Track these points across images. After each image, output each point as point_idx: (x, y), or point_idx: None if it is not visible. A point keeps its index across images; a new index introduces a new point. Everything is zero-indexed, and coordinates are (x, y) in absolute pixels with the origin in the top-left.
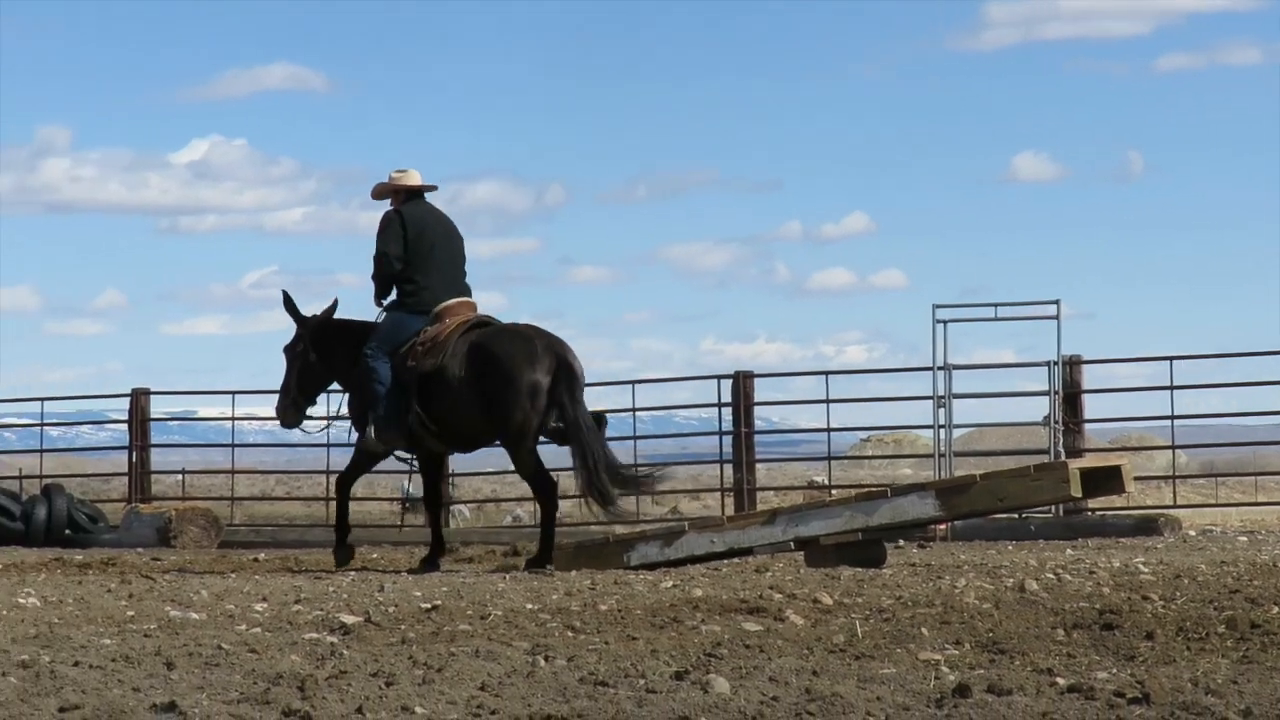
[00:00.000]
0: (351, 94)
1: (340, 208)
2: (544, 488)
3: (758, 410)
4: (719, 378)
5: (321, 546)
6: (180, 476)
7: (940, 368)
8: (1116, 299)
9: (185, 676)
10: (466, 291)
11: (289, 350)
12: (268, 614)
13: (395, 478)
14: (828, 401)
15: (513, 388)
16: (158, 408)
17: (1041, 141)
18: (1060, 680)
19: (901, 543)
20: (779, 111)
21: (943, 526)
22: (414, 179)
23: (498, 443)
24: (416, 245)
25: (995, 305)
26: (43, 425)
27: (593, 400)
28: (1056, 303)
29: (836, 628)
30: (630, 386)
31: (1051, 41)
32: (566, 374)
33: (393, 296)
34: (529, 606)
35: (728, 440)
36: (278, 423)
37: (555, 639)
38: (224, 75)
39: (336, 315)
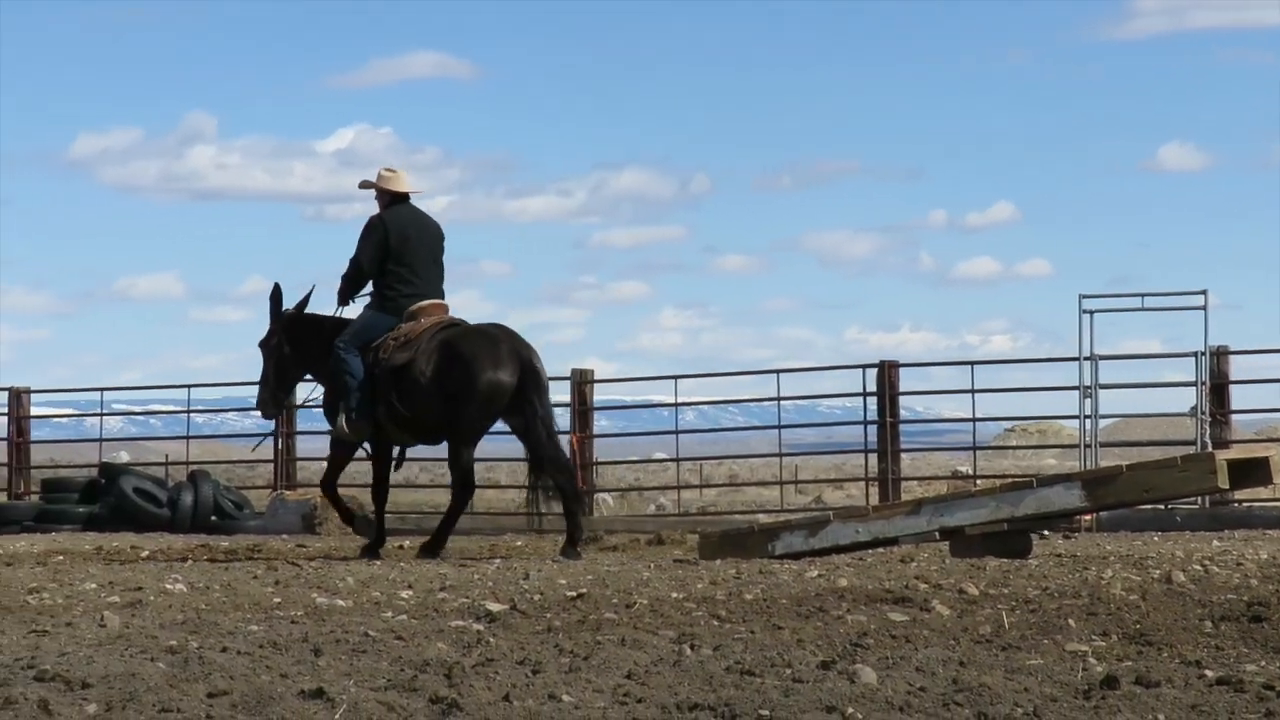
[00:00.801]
0: (496, 82)
1: (484, 196)
2: (465, 487)
3: (902, 400)
4: (864, 367)
5: (465, 534)
6: (325, 463)
7: (1086, 358)
8: (1264, 289)
9: (333, 663)
10: (441, 295)
11: (264, 344)
12: (414, 601)
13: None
14: (973, 391)
15: (473, 387)
16: (302, 394)
17: (1188, 130)
18: (1208, 672)
19: (1046, 533)
20: (923, 100)
21: (1088, 517)
22: (402, 183)
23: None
24: (399, 250)
25: (1142, 295)
26: (189, 412)
27: (737, 389)
28: (1203, 293)
29: (983, 618)
30: (775, 375)
31: (1200, 30)
32: (531, 376)
33: (368, 295)
34: (674, 595)
35: (872, 429)
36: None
37: (701, 628)
38: (370, 64)
39: (308, 309)
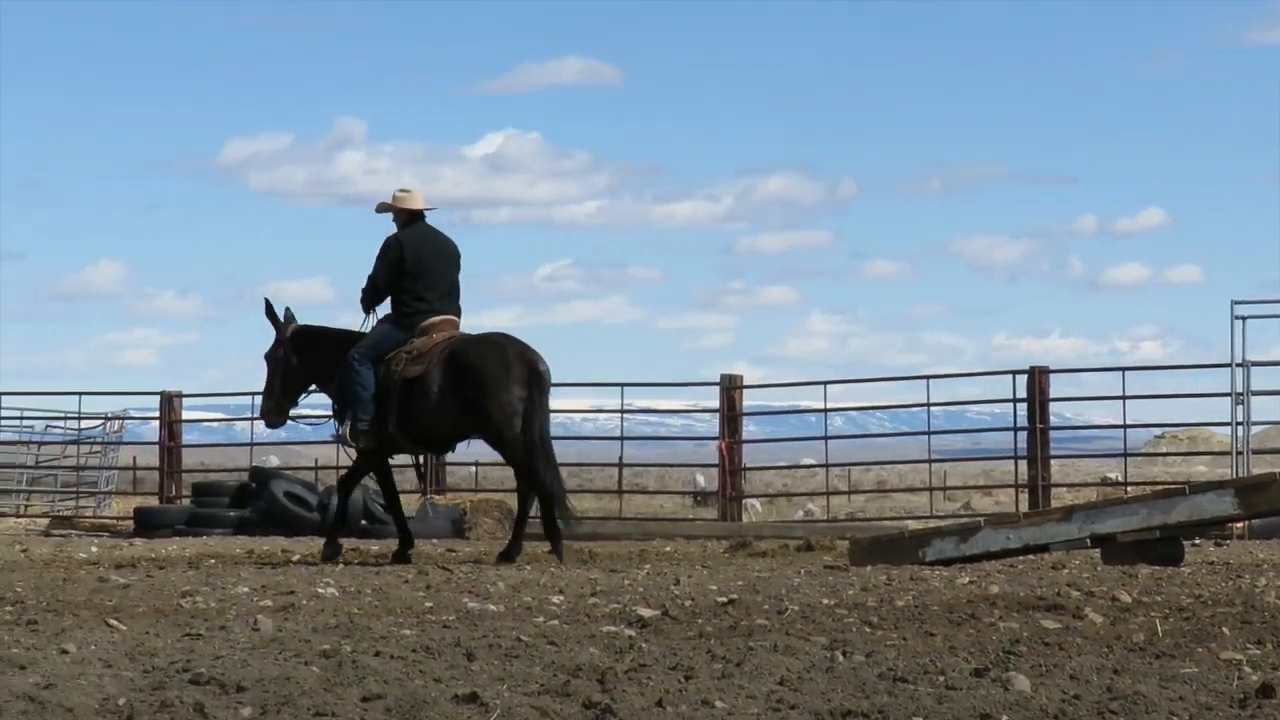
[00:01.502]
0: (644, 87)
1: (633, 201)
2: (531, 470)
3: (1051, 406)
4: (1014, 373)
5: (615, 539)
6: (473, 468)
7: (1238, 364)
8: None
9: (485, 668)
10: (455, 311)
11: (270, 356)
12: (565, 606)
13: (684, 471)
14: (1124, 398)
15: (488, 390)
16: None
17: None
18: None
19: (1198, 540)
20: (1072, 105)
21: (1240, 525)
22: (416, 201)
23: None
24: (414, 268)
25: None
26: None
27: (886, 394)
28: None
29: (1136, 626)
30: (924, 381)
31: None
32: (535, 378)
33: (386, 309)
34: (825, 602)
35: (1022, 436)
36: (570, 416)
37: (853, 634)
38: (519, 69)
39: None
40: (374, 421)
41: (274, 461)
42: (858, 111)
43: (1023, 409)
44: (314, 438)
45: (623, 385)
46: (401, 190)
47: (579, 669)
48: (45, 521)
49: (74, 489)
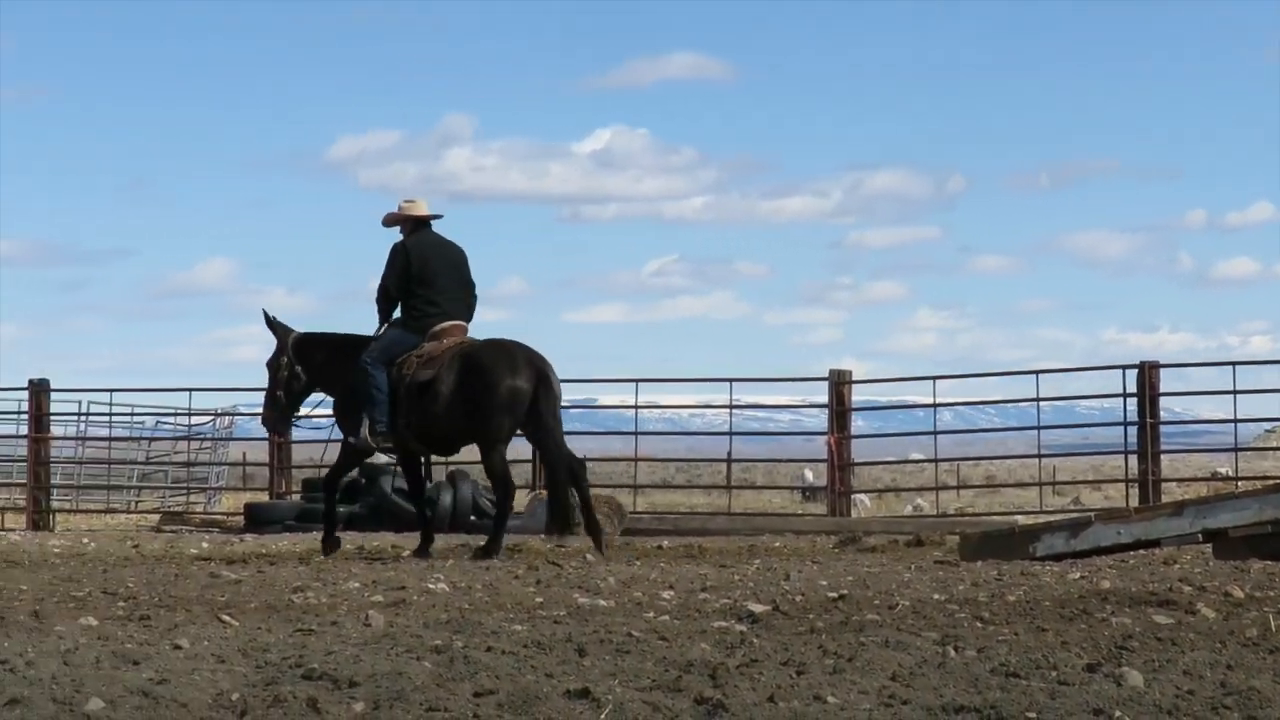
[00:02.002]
0: (752, 83)
1: (740, 196)
2: (505, 488)
3: (1161, 401)
4: (1123, 368)
5: (724, 534)
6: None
7: None
8: None
9: (597, 663)
10: (465, 316)
11: (272, 363)
12: (675, 602)
13: (793, 466)
14: (1234, 392)
15: (494, 395)
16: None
17: None
18: None
19: None
20: (1182, 99)
21: None
22: (421, 209)
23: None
24: (421, 273)
25: None
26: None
27: (995, 389)
28: None
29: (1249, 621)
30: (1033, 376)
31: None
32: (544, 386)
33: (396, 314)
34: (936, 597)
35: (1132, 431)
36: (679, 411)
37: (964, 629)
38: (627, 64)
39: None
40: (387, 422)
41: (383, 457)
42: (966, 106)
43: (1133, 404)
44: None
45: (731, 381)
46: (406, 201)
47: (690, 664)
48: (156, 517)
49: (184, 485)
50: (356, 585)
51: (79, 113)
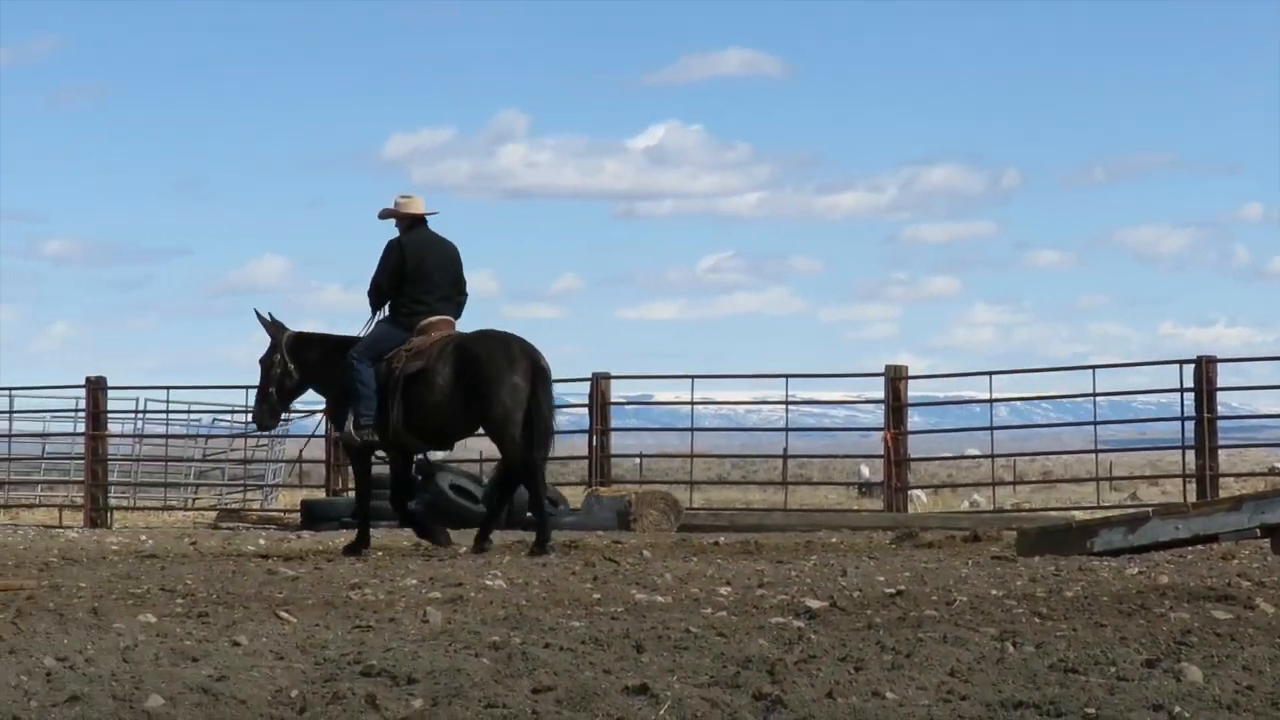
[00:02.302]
0: (806, 79)
1: (794, 192)
2: (532, 473)
3: (1218, 395)
4: (1180, 362)
5: (780, 530)
6: (638, 460)
7: None
8: None
9: (655, 659)
10: (453, 312)
11: (265, 361)
12: (732, 598)
13: (849, 462)
14: None
15: (494, 383)
16: (616, 392)
17: None
18: None
19: None
20: (1238, 93)
21: None
22: (417, 206)
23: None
24: (415, 270)
25: None
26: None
27: (1051, 385)
28: None
29: None
30: (1089, 371)
31: None
32: (539, 373)
33: (385, 312)
34: (994, 592)
35: (1189, 425)
36: (734, 407)
37: (1022, 625)
38: (681, 61)
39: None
40: (374, 417)
41: (440, 454)
42: (1021, 101)
43: (1190, 399)
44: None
45: (787, 376)
46: (403, 197)
47: (749, 660)
48: (213, 514)
49: (241, 482)
50: (414, 582)
51: (136, 112)
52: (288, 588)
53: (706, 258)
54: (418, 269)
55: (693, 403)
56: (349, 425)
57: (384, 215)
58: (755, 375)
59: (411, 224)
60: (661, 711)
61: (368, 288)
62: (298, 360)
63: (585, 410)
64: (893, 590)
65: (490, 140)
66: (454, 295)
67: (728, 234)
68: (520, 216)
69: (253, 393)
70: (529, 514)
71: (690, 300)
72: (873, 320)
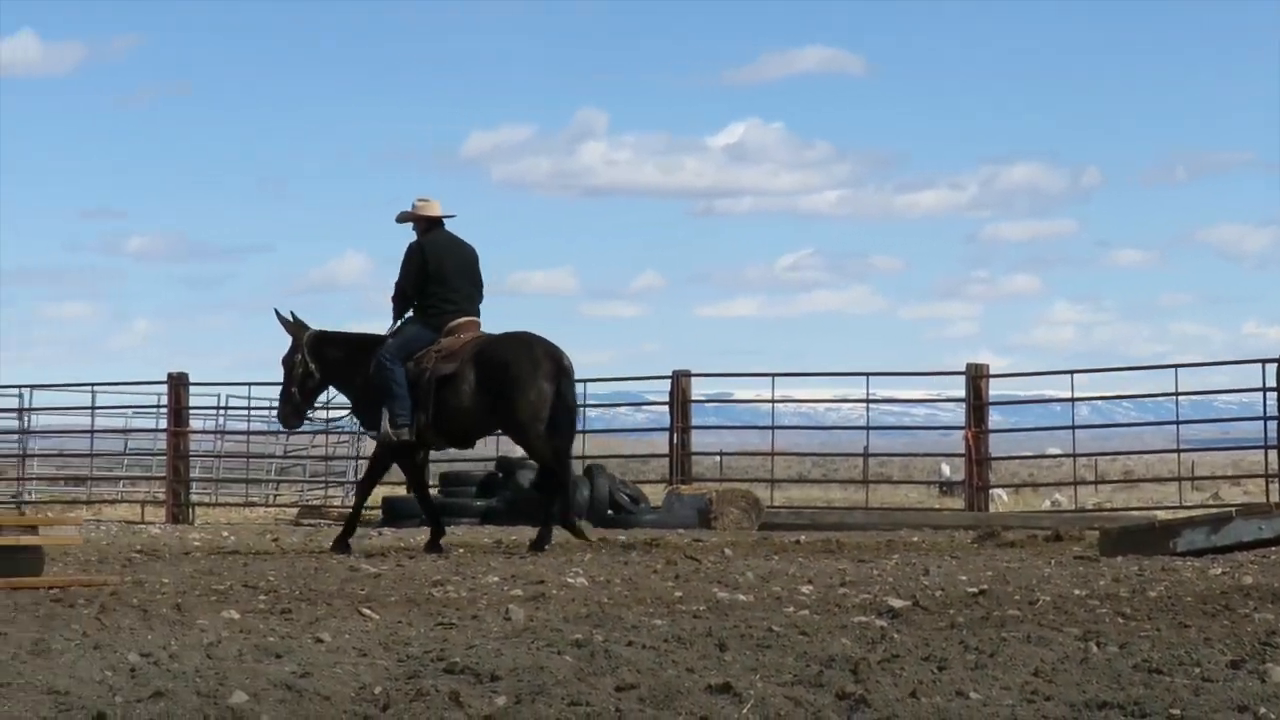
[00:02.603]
0: (886, 77)
1: (875, 190)
2: (562, 467)
3: None
4: (1263, 361)
5: (861, 529)
6: (718, 458)
7: None
8: None
9: (738, 658)
10: (477, 312)
11: (287, 360)
12: (814, 596)
13: (930, 461)
14: None
15: (519, 385)
16: (696, 389)
17: None
18: None
19: None
20: None
21: None
22: (435, 209)
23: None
24: (437, 271)
25: None
26: (585, 406)
27: (1132, 384)
28: None
29: None
30: (1172, 370)
31: None
32: (563, 373)
33: (410, 313)
34: (1077, 592)
35: (1271, 425)
36: (814, 406)
37: (1106, 625)
38: (762, 58)
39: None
40: (408, 415)
41: (519, 451)
42: (1101, 99)
43: (1272, 398)
44: None
45: (868, 375)
46: (421, 199)
47: (832, 659)
48: (294, 511)
49: (322, 479)
50: (495, 579)
51: (216, 110)
52: (370, 585)
53: (786, 256)
54: (439, 270)
55: (773, 400)
56: (385, 425)
57: (402, 219)
58: (836, 373)
59: (429, 226)
60: (745, 710)
61: (392, 292)
62: (319, 359)
63: (666, 408)
64: (975, 590)
65: (570, 138)
66: (475, 295)
67: (807, 232)
68: (600, 214)
69: (333, 390)
70: (610, 511)
71: (770, 298)
72: (953, 319)
